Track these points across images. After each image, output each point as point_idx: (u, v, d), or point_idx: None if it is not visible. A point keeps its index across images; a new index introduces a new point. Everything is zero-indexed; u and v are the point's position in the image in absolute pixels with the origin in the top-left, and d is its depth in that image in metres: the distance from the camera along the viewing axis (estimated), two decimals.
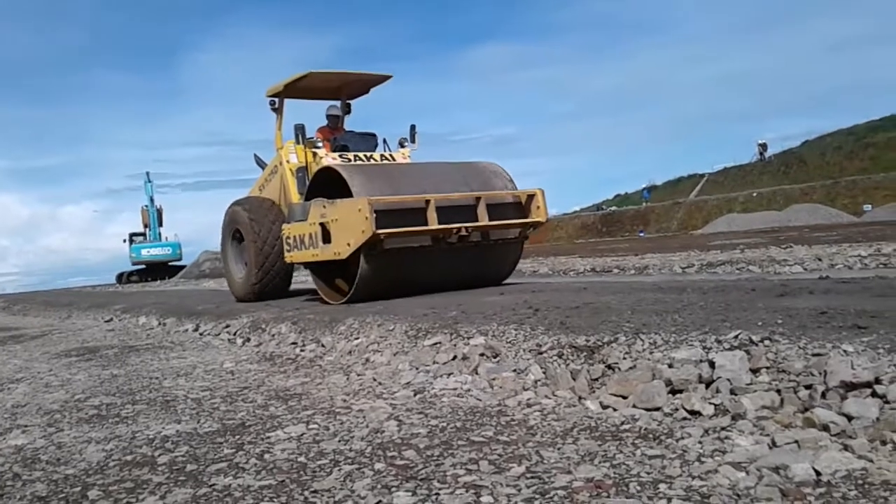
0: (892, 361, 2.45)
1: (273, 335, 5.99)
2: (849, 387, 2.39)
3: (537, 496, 1.94)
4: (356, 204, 6.39)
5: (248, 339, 6.19)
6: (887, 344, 2.61)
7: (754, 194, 45.93)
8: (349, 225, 6.49)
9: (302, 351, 5.22)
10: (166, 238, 51.75)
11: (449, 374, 3.70)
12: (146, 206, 52.01)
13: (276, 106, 9.09)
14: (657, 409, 2.70)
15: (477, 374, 3.63)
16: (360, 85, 9.55)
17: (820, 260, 9.28)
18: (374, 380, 3.87)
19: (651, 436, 2.42)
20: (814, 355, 2.67)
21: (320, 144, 8.45)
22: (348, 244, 6.53)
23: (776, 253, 11.85)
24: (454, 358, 3.94)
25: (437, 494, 2.03)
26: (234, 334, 6.54)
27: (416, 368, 3.97)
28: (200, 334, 7.14)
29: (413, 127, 8.93)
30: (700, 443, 2.29)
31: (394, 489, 2.09)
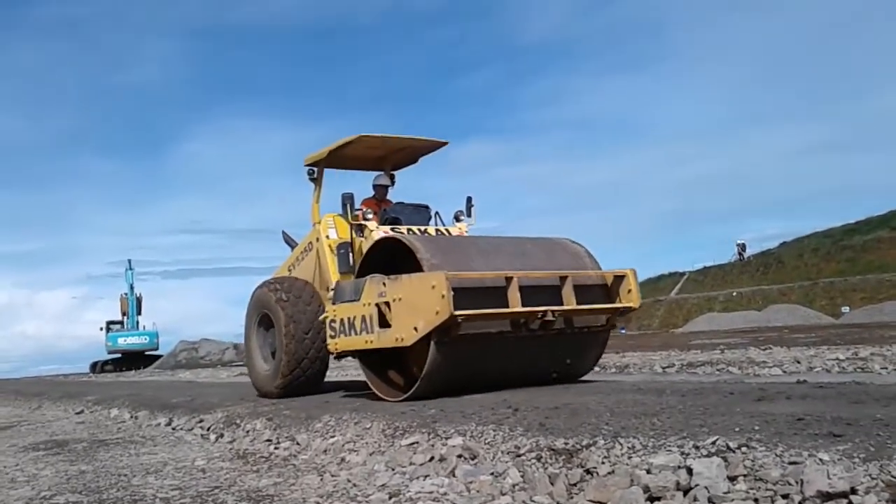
0: (867, 471, 2.46)
1: (247, 431, 5.88)
2: (825, 497, 2.39)
3: None
4: (429, 279, 5.40)
5: (222, 435, 6.06)
6: (862, 453, 2.62)
7: (734, 293, 46.45)
8: (418, 305, 5.48)
9: (276, 448, 5.12)
10: (144, 327, 51.26)
11: (425, 477, 3.64)
12: (126, 293, 51.71)
13: (315, 175, 8.16)
14: None
15: (454, 476, 3.57)
16: (410, 153, 8.61)
17: (798, 362, 9.32)
18: (349, 481, 3.79)
19: None
20: (790, 463, 2.66)
21: (370, 216, 7.50)
22: (415, 329, 5.50)
23: (755, 354, 11.90)
24: (431, 459, 3.88)
25: None
26: (208, 429, 6.41)
27: (392, 469, 3.90)
28: (173, 429, 6.99)
29: (469, 199, 8.03)
30: None
31: None
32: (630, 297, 6.35)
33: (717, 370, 9.21)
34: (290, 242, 9.00)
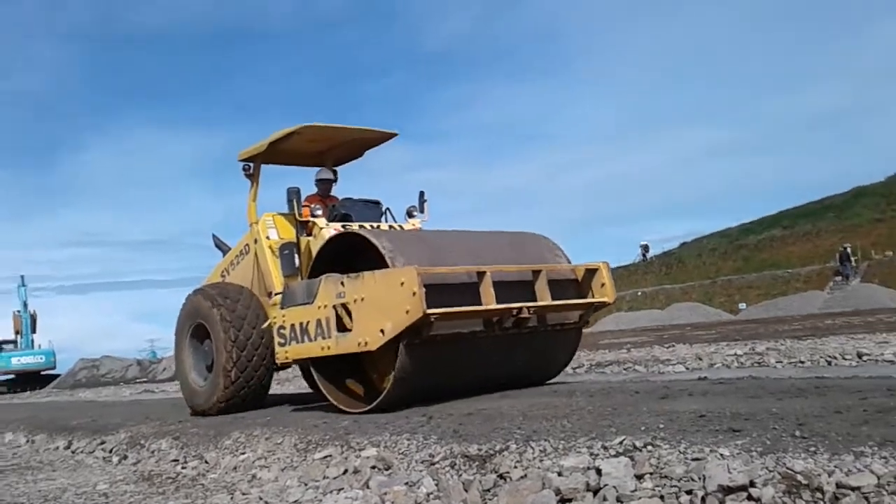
0: (764, 464, 2.57)
1: (153, 451, 5.67)
2: (726, 490, 2.48)
3: None
4: (397, 276, 4.91)
5: (126, 457, 5.82)
6: (760, 447, 2.74)
7: (639, 293, 47.88)
8: (385, 304, 4.98)
9: (184, 468, 4.96)
10: (39, 345, 48.79)
11: (339, 490, 3.59)
12: (19, 311, 49.14)
13: (252, 171, 7.52)
14: None
15: (368, 488, 3.54)
16: (356, 146, 8.02)
17: (700, 359, 9.69)
18: (261, 499, 3.71)
19: None
20: (693, 460, 2.76)
21: (320, 212, 6.91)
22: (382, 331, 4.99)
23: (659, 352, 12.31)
24: (345, 472, 3.84)
25: None
26: (110, 451, 6.14)
27: (305, 484, 3.84)
28: (73, 452, 6.67)
29: (422, 194, 7.54)
30: None
31: None
32: (604, 292, 6.06)
33: (624, 369, 9.48)
34: (222, 247, 8.42)
